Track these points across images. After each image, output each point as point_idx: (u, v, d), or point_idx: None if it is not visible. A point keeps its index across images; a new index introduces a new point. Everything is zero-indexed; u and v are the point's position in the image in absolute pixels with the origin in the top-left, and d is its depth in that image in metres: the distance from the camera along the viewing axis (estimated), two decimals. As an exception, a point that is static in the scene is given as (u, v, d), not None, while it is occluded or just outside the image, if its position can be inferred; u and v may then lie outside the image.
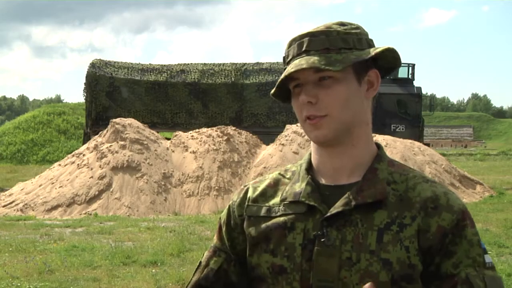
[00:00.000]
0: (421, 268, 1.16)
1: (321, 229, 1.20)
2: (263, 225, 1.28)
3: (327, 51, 1.20)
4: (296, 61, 1.20)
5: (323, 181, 1.27)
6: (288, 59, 1.25)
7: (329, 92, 1.20)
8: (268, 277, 1.26)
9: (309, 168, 1.30)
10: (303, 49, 1.21)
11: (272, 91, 1.28)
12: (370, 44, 1.25)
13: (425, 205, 1.19)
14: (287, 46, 1.26)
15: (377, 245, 1.17)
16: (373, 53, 1.21)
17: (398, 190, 1.22)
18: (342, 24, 1.25)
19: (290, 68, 1.20)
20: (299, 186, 1.27)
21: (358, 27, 1.25)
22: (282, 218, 1.26)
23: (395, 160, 1.30)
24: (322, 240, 1.19)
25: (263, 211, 1.30)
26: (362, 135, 1.26)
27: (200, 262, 1.39)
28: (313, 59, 1.18)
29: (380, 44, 1.28)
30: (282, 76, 1.21)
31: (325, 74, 1.19)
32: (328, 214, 1.20)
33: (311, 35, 1.22)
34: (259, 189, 1.34)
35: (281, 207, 1.28)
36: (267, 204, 1.31)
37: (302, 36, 1.23)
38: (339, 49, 1.20)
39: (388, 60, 1.27)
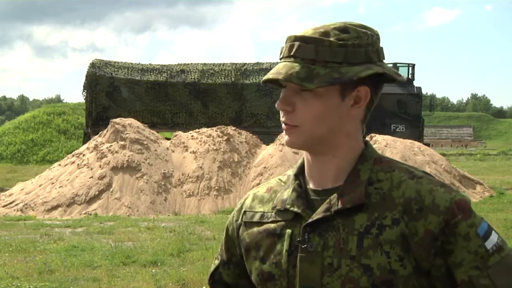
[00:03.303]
0: (404, 273, 1.14)
1: (303, 236, 1.20)
2: (256, 231, 1.30)
3: (313, 62, 1.16)
4: (281, 65, 1.19)
5: (311, 185, 1.27)
6: (280, 56, 1.23)
7: (305, 104, 1.18)
8: (258, 284, 1.28)
9: (301, 172, 1.30)
10: (292, 53, 1.19)
11: (262, 82, 1.26)
12: (370, 56, 1.19)
13: (409, 207, 1.16)
14: (285, 41, 1.23)
15: (357, 251, 1.16)
16: (355, 78, 1.16)
17: (382, 188, 1.20)
18: (343, 30, 1.19)
19: (271, 73, 1.19)
20: (287, 193, 1.28)
21: (360, 36, 1.18)
22: (272, 225, 1.27)
23: (384, 157, 1.27)
24: (305, 246, 1.20)
25: (256, 217, 1.32)
26: (342, 146, 1.23)
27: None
28: (293, 71, 1.16)
29: (383, 44, 1.24)
30: (264, 78, 1.21)
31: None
32: (310, 220, 1.20)
33: (303, 40, 1.18)
34: (258, 195, 1.36)
35: (272, 214, 1.29)
36: (261, 210, 1.32)
37: (296, 38, 1.20)
38: (325, 62, 1.16)
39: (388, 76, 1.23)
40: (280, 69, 1.18)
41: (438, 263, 1.16)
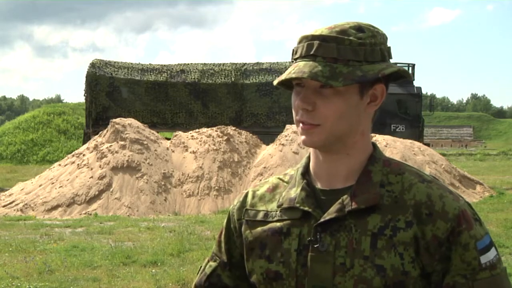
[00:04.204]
0: (415, 274, 1.16)
1: (314, 235, 1.20)
2: (260, 229, 1.29)
3: (335, 61, 1.17)
4: (301, 64, 1.18)
5: (319, 185, 1.26)
6: (295, 56, 1.22)
7: (327, 102, 1.18)
8: (261, 283, 1.26)
9: (306, 172, 1.30)
10: (311, 52, 1.18)
11: (275, 82, 1.25)
12: (385, 55, 1.21)
13: (419, 211, 1.17)
14: (297, 41, 1.23)
15: (371, 251, 1.16)
16: (380, 74, 1.18)
17: (393, 191, 1.21)
18: (359, 29, 1.20)
19: (292, 71, 1.18)
20: (295, 191, 1.27)
21: (374, 35, 1.21)
22: (278, 224, 1.26)
23: (392, 159, 1.29)
24: (316, 246, 1.19)
25: (260, 216, 1.30)
26: (357, 144, 1.24)
27: (201, 267, 1.43)
28: (317, 69, 1.15)
29: None
30: (283, 77, 1.19)
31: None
32: (322, 220, 1.20)
33: (323, 39, 1.18)
34: (258, 194, 1.34)
35: (277, 212, 1.28)
36: (264, 209, 1.31)
37: (314, 37, 1.19)
38: (347, 61, 1.17)
39: (398, 74, 1.25)
40: (302, 68, 1.17)
41: (439, 269, 1.17)
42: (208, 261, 1.41)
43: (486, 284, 1.16)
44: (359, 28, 1.20)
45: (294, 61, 1.22)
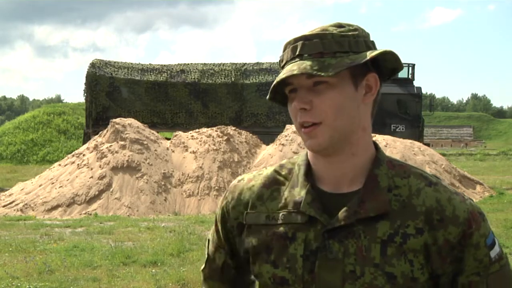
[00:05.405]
0: (423, 280, 1.16)
1: (322, 242, 1.18)
2: (264, 233, 1.26)
3: (321, 56, 1.17)
4: (289, 66, 1.18)
5: (323, 188, 1.24)
6: (283, 63, 1.22)
7: (322, 98, 1.17)
8: (270, 287, 1.25)
9: (308, 172, 1.27)
10: (297, 53, 1.19)
11: (268, 96, 1.26)
12: (369, 46, 1.21)
13: (431, 217, 1.17)
14: (282, 50, 1.24)
15: (381, 258, 1.15)
16: (368, 57, 1.17)
17: (401, 195, 1.19)
18: (339, 25, 1.21)
19: (282, 74, 1.18)
20: (299, 194, 1.24)
21: (356, 29, 1.21)
22: (282, 228, 1.23)
23: (394, 159, 1.27)
24: (324, 253, 1.17)
25: (262, 219, 1.27)
26: (361, 142, 1.23)
27: (208, 255, 1.42)
28: (305, 64, 1.15)
29: (385, 44, 1.27)
30: (275, 82, 1.19)
31: (319, 79, 1.16)
32: (330, 227, 1.18)
33: (305, 38, 1.19)
34: (255, 191, 1.30)
35: (281, 215, 1.25)
36: (265, 210, 1.28)
37: (296, 40, 1.20)
38: (333, 53, 1.17)
39: (390, 63, 1.23)
40: (290, 68, 1.17)
41: (449, 271, 1.18)
42: (215, 251, 1.40)
43: (498, 276, 1.18)
44: (339, 25, 1.22)
45: (282, 69, 1.22)
